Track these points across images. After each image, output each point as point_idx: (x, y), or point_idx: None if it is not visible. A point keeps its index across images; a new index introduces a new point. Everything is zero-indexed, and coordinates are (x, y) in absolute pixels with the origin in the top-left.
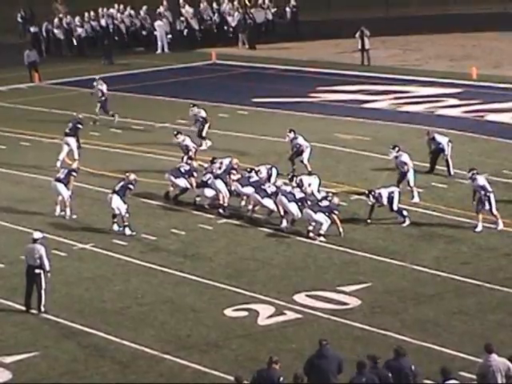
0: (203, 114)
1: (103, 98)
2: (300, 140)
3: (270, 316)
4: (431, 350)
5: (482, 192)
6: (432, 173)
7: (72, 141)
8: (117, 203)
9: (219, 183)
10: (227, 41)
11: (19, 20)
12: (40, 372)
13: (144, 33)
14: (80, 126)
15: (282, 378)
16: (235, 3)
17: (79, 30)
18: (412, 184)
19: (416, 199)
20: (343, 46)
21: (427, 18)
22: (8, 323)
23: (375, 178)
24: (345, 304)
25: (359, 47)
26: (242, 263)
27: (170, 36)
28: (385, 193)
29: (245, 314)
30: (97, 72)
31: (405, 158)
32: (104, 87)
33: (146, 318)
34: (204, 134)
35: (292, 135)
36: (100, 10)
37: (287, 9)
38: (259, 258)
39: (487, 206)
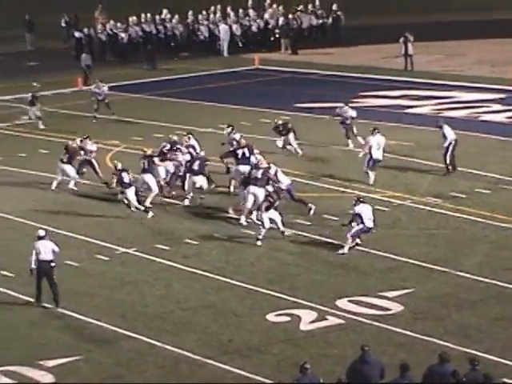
0: (237, 136)
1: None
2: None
3: (312, 321)
4: (474, 356)
5: None
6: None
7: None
8: (149, 179)
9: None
10: (270, 46)
11: (63, 25)
12: (82, 376)
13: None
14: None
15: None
16: (280, 8)
17: (122, 35)
18: None
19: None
20: (386, 51)
21: (469, 23)
22: (51, 327)
23: (418, 183)
24: (387, 310)
25: (402, 52)
26: (283, 268)
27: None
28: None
29: (287, 319)
30: (140, 77)
31: None
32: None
33: (189, 323)
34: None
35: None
36: (143, 15)
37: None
38: (301, 263)
39: None
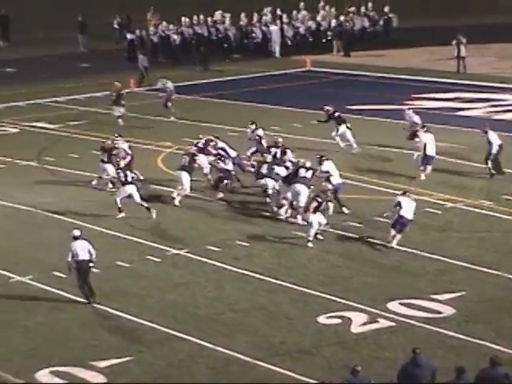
0: (260, 132)
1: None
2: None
3: (364, 324)
4: None
5: None
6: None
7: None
8: (185, 178)
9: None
10: (322, 48)
11: (115, 26)
12: (133, 377)
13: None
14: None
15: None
16: (332, 10)
17: (175, 36)
18: None
19: None
20: (438, 53)
21: None
22: (102, 328)
23: (470, 186)
24: (438, 313)
25: (455, 54)
26: (335, 270)
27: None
28: None
29: (338, 321)
30: (192, 79)
31: None
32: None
33: (240, 325)
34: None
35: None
36: (195, 16)
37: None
38: (352, 265)
39: None
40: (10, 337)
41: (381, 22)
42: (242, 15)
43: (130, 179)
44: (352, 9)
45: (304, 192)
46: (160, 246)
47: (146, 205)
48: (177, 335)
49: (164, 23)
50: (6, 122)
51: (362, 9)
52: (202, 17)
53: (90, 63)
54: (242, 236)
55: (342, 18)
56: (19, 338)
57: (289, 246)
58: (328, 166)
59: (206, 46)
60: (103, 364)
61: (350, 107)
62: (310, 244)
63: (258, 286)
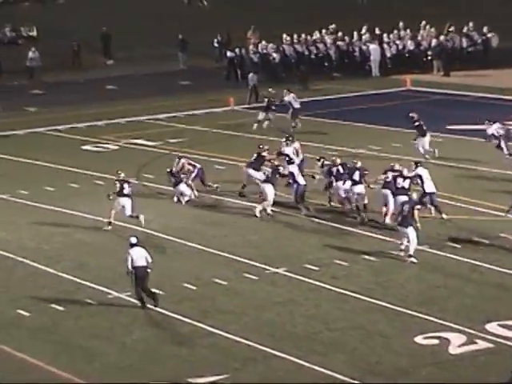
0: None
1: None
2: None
3: (462, 345)
4: None
5: None
6: None
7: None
8: (269, 190)
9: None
10: (422, 67)
11: (215, 45)
12: None
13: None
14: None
15: None
16: (432, 29)
17: (274, 55)
18: None
19: None
20: None
21: None
22: (199, 345)
23: None
24: None
25: None
26: (433, 291)
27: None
28: None
29: (436, 341)
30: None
31: None
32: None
33: (337, 343)
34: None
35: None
36: (295, 35)
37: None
38: (451, 285)
39: None
40: (107, 353)
41: (481, 42)
42: (340, 34)
43: (126, 192)
44: (452, 28)
45: (406, 202)
46: (258, 264)
47: (134, 214)
48: (273, 353)
49: (263, 42)
50: (105, 139)
51: (465, 29)
52: (303, 35)
53: (190, 81)
54: (340, 254)
55: (442, 37)
56: (117, 354)
57: (387, 266)
58: (422, 171)
59: (306, 65)
60: (200, 381)
61: (449, 127)
62: (412, 259)
63: (355, 306)
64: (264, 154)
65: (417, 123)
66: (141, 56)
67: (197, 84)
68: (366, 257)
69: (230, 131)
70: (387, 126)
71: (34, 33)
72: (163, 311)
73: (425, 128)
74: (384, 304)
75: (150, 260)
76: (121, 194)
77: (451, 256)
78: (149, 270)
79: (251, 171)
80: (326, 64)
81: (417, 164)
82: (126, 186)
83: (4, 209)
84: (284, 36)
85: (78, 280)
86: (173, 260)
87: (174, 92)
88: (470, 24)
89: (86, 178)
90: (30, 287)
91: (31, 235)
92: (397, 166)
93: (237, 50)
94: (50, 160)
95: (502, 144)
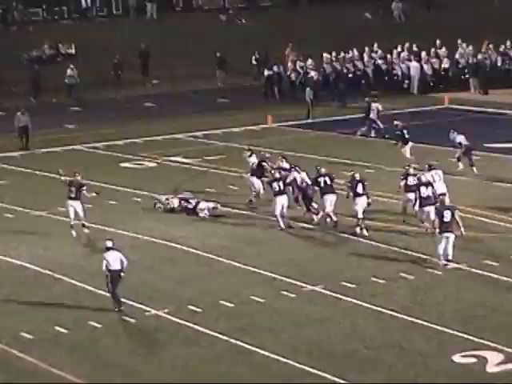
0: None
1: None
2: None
3: (499, 363)
4: None
5: None
6: None
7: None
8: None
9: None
10: (460, 85)
11: (253, 62)
12: None
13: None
14: None
15: None
16: (470, 47)
17: (312, 73)
18: None
19: None
20: None
21: None
22: (237, 362)
23: None
24: None
25: None
26: (471, 309)
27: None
28: None
29: (473, 360)
30: (330, 114)
31: None
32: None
33: (374, 362)
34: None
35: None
36: (334, 53)
37: None
38: (489, 304)
39: None
40: (145, 371)
41: None
42: (379, 53)
43: (73, 195)
44: (490, 46)
45: (446, 208)
46: (295, 282)
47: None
48: (311, 371)
49: (302, 59)
50: (143, 156)
51: (502, 48)
52: (342, 53)
53: (228, 98)
54: (377, 272)
55: (479, 56)
56: (154, 372)
57: (424, 283)
58: (436, 174)
59: (344, 83)
60: None
61: (488, 145)
62: (451, 264)
63: (392, 324)
64: (263, 163)
65: (398, 132)
66: (179, 73)
67: (234, 102)
68: (404, 275)
69: (268, 148)
70: (424, 144)
71: (73, 50)
72: (201, 328)
73: (407, 136)
74: (421, 322)
75: (125, 263)
76: (71, 197)
77: (489, 274)
78: (122, 274)
79: (254, 179)
80: (363, 82)
81: (430, 166)
82: (73, 189)
83: (43, 226)
84: (324, 55)
85: None
86: (210, 277)
87: (212, 110)
88: (508, 42)
89: (125, 195)
90: (69, 304)
91: (70, 252)
92: (411, 170)
93: (275, 68)
94: (88, 177)
95: None
